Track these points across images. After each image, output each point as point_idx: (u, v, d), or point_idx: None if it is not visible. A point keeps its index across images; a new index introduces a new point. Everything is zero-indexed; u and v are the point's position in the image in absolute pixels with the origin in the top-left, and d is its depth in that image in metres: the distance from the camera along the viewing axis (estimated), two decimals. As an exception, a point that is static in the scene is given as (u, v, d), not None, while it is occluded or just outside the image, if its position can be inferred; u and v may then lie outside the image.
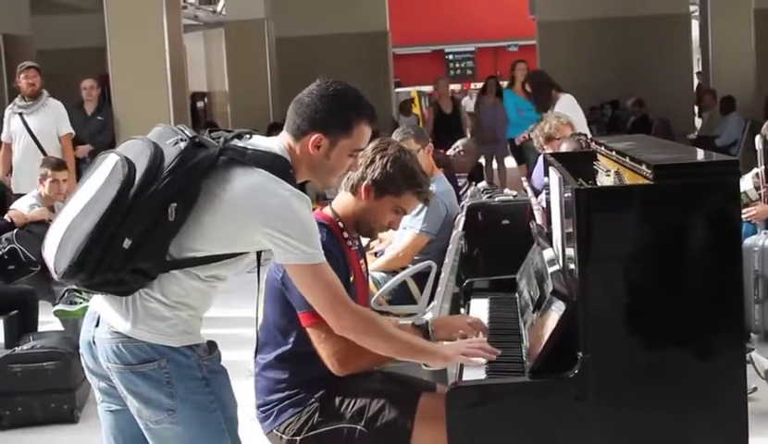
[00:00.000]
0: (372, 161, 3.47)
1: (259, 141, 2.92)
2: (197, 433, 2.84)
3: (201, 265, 2.79)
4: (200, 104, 18.80)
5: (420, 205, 4.28)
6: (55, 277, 2.77)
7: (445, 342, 3.32)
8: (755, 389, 5.14)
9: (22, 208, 6.97)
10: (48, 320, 6.82)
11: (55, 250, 2.73)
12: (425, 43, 30.63)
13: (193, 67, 15.36)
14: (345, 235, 3.43)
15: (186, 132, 2.80)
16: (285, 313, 3.27)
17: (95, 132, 10.27)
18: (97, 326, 2.87)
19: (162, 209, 2.69)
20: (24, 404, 5.58)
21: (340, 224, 3.44)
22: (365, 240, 4.19)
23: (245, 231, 2.79)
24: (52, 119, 8.98)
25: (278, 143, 2.93)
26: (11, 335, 6.58)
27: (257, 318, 3.24)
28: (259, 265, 2.95)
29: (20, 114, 8.96)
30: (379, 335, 3.02)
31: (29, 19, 14.34)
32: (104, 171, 2.75)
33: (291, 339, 3.28)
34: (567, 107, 9.15)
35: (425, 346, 3.19)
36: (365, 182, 3.44)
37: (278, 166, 2.84)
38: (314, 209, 2.96)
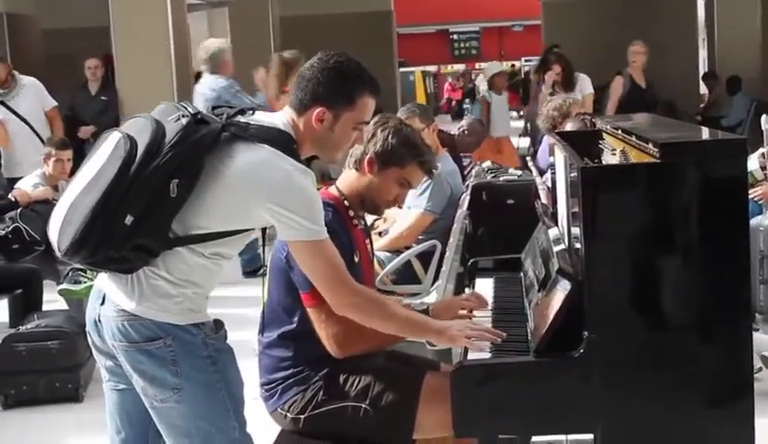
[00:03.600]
0: (373, 135, 3.46)
1: (262, 117, 2.91)
2: (202, 412, 2.84)
3: (204, 241, 2.79)
4: (204, 84, 18.73)
5: (425, 184, 4.26)
6: (57, 254, 2.77)
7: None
8: (760, 369, 5.14)
9: (26, 187, 6.98)
10: (53, 299, 6.84)
11: (59, 227, 2.73)
12: (429, 23, 30.58)
13: (197, 46, 15.29)
14: (351, 214, 3.42)
15: (188, 109, 2.80)
16: (289, 292, 3.26)
17: (99, 112, 10.26)
18: (103, 304, 2.87)
19: (163, 185, 2.69)
20: (29, 383, 5.61)
21: (345, 203, 3.42)
22: (369, 220, 4.17)
23: (249, 207, 2.78)
24: (35, 98, 9.01)
25: (281, 119, 2.91)
26: (16, 314, 6.61)
27: (263, 296, 3.24)
28: (264, 244, 2.94)
29: (2, 102, 8.97)
30: (380, 313, 3.00)
31: (33, -2, 14.29)
32: (106, 149, 2.75)
33: (296, 319, 3.28)
34: (588, 86, 9.18)
35: (428, 323, 3.16)
36: (368, 156, 3.43)
37: (282, 141, 2.82)
38: (318, 189, 2.95)
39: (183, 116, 2.76)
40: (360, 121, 2.97)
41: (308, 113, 2.90)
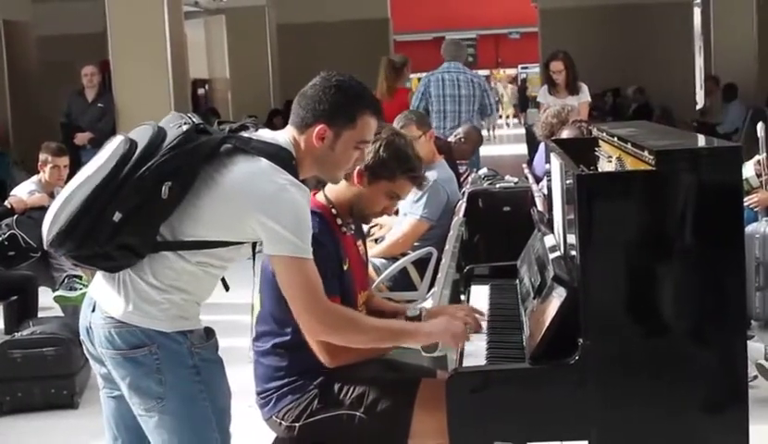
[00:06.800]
0: None
1: (264, 134, 2.92)
2: (183, 423, 2.80)
3: (192, 249, 2.78)
4: (201, 91, 18.78)
5: (420, 191, 4.24)
6: (45, 246, 2.79)
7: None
8: (755, 377, 5.14)
9: (22, 194, 6.97)
10: (48, 306, 6.83)
11: (51, 219, 2.75)
12: (426, 31, 30.58)
13: (194, 53, 15.32)
14: (339, 222, 3.40)
15: (192, 119, 2.83)
16: (280, 302, 3.21)
17: (95, 119, 10.26)
18: (93, 311, 2.86)
19: (155, 187, 2.69)
20: (24, 390, 5.60)
21: (333, 210, 3.40)
22: (365, 227, 4.15)
23: (239, 217, 2.77)
24: None
25: (282, 136, 2.92)
26: (11, 321, 6.60)
27: (252, 308, 3.22)
28: (254, 255, 2.93)
29: None
30: (354, 329, 2.98)
31: (29, 5, 14.31)
32: (108, 150, 2.78)
33: (289, 330, 3.23)
34: (585, 94, 9.21)
35: (404, 327, 3.17)
36: (358, 168, 3.41)
37: (281, 157, 2.83)
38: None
39: (185, 123, 2.79)
40: (361, 140, 2.97)
41: (310, 130, 2.91)
